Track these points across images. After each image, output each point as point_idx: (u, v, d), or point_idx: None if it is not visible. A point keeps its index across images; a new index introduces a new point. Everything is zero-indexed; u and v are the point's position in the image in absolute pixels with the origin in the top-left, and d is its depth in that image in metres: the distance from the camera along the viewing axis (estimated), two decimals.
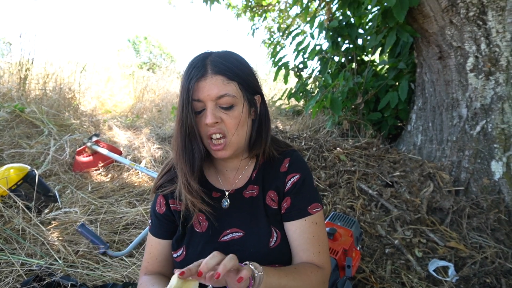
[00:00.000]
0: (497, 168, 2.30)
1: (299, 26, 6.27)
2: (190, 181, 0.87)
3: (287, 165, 0.96)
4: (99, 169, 3.25)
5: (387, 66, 3.74)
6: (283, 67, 4.03)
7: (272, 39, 7.21)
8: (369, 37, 3.33)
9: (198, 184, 0.88)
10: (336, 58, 3.98)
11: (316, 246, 0.91)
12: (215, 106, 0.83)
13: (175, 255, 0.94)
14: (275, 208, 0.94)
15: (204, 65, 0.82)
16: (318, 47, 3.89)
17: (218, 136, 0.85)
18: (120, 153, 3.40)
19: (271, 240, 0.90)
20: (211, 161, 1.01)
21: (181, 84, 0.84)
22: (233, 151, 0.88)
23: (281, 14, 7.38)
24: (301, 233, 0.91)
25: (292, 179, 0.95)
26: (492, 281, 1.76)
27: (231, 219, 0.94)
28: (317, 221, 0.93)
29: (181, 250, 0.93)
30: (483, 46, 2.31)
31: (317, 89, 4.03)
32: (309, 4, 4.63)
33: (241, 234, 0.92)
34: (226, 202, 0.95)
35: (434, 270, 1.86)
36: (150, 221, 1.00)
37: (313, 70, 4.36)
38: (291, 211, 0.93)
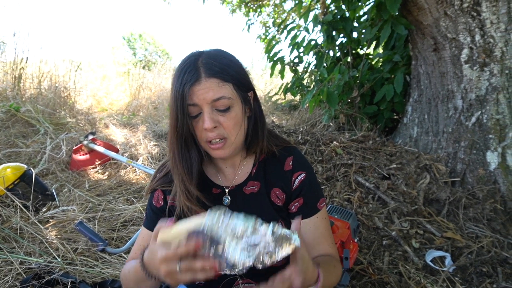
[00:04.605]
0: (492, 159, 2.32)
1: (294, 20, 6.25)
2: (189, 187, 0.86)
3: (290, 163, 0.97)
4: (96, 167, 3.24)
5: (382, 59, 3.74)
6: (278, 62, 4.01)
7: (267, 34, 7.17)
8: (364, 30, 3.33)
9: (197, 189, 0.87)
10: (331, 52, 3.97)
11: (329, 239, 0.97)
12: (212, 109, 0.80)
13: None
14: (279, 205, 0.96)
15: (196, 68, 0.78)
16: (313, 42, 3.88)
17: (217, 140, 0.83)
18: (116, 151, 3.39)
19: None
20: (210, 158, 0.99)
21: (174, 89, 0.80)
22: (232, 151, 0.88)
23: (276, 8, 7.35)
24: (315, 229, 0.95)
25: (299, 177, 0.96)
26: (489, 270, 1.78)
27: None
28: (325, 216, 0.98)
29: None
30: (477, 37, 2.31)
31: (313, 83, 4.02)
32: None
33: None
34: (227, 200, 0.95)
35: (431, 261, 1.88)
36: (145, 214, 1.00)
37: (308, 65, 4.35)
38: (304, 209, 0.95)
